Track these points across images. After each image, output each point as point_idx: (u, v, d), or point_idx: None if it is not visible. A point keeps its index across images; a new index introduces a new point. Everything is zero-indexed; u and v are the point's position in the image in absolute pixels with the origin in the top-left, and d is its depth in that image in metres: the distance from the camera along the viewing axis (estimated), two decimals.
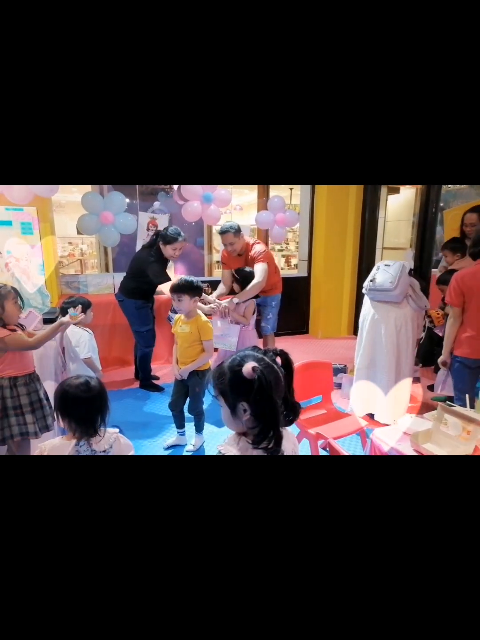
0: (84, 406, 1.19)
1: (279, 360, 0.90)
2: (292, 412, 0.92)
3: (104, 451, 1.23)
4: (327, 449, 2.02)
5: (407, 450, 1.41)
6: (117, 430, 1.29)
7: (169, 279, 2.83)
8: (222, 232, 2.85)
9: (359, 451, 2.20)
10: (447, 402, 1.60)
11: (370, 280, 2.43)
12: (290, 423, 0.93)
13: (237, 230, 2.85)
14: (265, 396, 0.82)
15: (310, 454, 1.97)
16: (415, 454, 1.39)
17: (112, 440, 1.25)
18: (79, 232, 3.65)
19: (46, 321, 2.35)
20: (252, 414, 0.84)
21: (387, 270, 2.37)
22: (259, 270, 2.81)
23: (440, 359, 2.18)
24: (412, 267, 2.55)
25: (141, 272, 2.89)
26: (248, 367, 0.81)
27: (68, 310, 2.02)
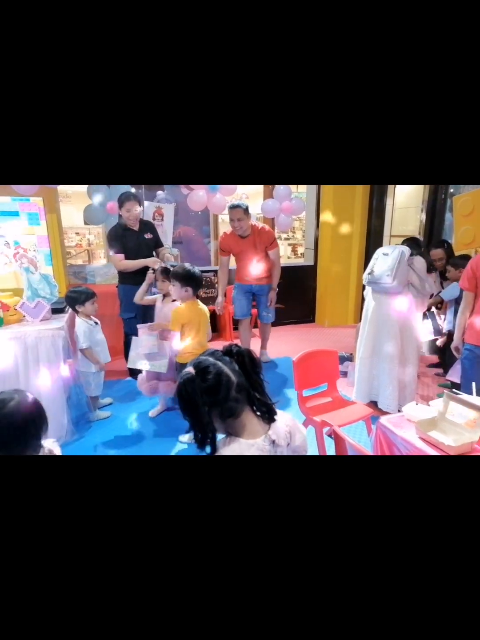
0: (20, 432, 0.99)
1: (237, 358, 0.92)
2: (265, 408, 0.94)
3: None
4: (332, 436, 2.04)
5: (413, 437, 1.42)
6: (53, 440, 1.14)
7: (120, 248, 2.79)
8: (233, 207, 2.93)
9: (364, 438, 2.22)
10: (453, 389, 1.60)
11: (368, 273, 2.41)
12: (266, 418, 0.95)
13: (246, 209, 2.93)
14: (184, 402, 0.89)
15: (315, 441, 1.99)
16: (420, 441, 1.39)
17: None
18: (85, 223, 3.66)
19: (54, 311, 2.38)
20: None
21: (385, 260, 2.33)
22: (277, 255, 3.10)
23: (452, 345, 2.17)
24: (419, 247, 2.50)
25: None
26: (183, 373, 0.90)
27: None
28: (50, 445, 1.11)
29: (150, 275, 2.57)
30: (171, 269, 2.26)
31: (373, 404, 2.50)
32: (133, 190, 3.28)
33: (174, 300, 2.35)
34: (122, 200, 2.76)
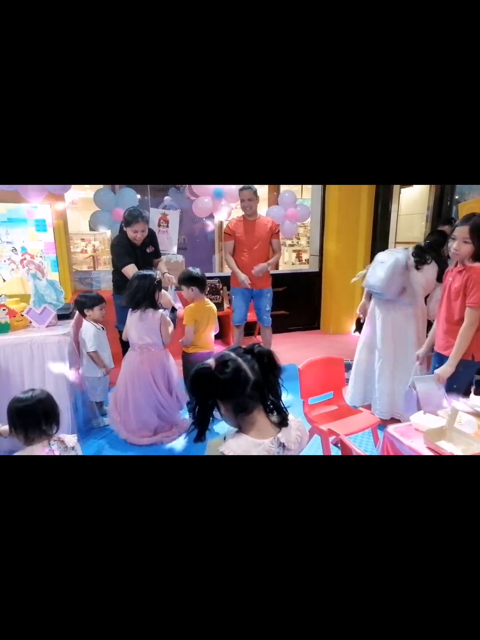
0: (36, 416, 1.27)
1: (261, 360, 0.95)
2: (277, 412, 0.96)
3: (73, 448, 1.33)
4: (339, 445, 2.02)
5: (420, 447, 1.40)
6: (76, 436, 1.38)
7: (128, 263, 2.66)
8: (243, 188, 3.10)
9: (370, 448, 2.19)
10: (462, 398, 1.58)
11: (365, 281, 2.38)
12: (277, 421, 0.96)
13: (255, 192, 3.12)
14: (192, 389, 0.94)
15: (321, 450, 1.97)
16: (429, 451, 1.37)
17: (74, 443, 1.34)
18: (91, 229, 3.69)
19: (60, 317, 2.39)
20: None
21: (380, 268, 2.28)
22: (279, 245, 3.27)
23: (442, 371, 1.77)
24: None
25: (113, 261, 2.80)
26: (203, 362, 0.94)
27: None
28: (69, 439, 1.33)
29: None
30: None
31: (367, 408, 2.48)
32: (138, 197, 3.30)
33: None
34: (130, 221, 2.63)
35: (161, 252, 3.10)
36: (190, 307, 2.34)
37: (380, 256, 2.38)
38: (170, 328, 2.29)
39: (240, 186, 3.17)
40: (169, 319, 2.30)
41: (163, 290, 2.40)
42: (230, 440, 0.93)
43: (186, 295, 2.36)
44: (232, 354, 0.94)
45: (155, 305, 2.24)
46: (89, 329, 2.40)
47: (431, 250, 2.34)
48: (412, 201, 4.57)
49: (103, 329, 2.51)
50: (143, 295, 2.20)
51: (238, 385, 0.90)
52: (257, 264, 3.14)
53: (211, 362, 0.94)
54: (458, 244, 1.73)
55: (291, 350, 3.93)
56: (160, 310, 2.26)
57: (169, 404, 2.34)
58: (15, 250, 2.71)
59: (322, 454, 1.96)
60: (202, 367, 0.93)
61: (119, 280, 2.75)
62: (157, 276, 2.28)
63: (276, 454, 0.93)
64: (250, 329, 4.14)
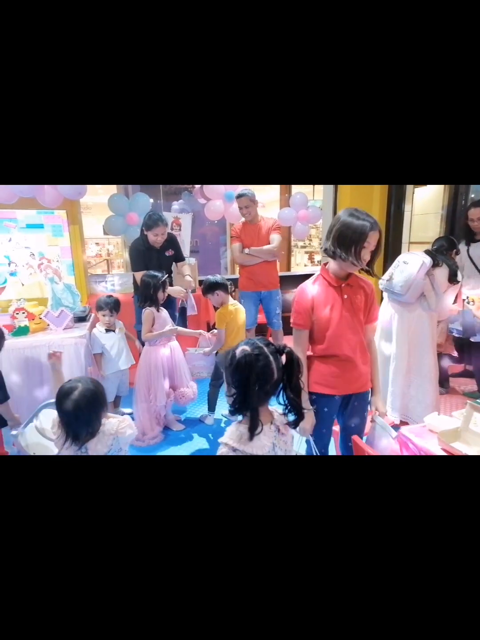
0: (85, 411, 1.12)
1: (284, 358, 0.99)
2: (294, 410, 1.00)
3: (111, 446, 1.18)
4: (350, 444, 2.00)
5: (435, 448, 1.39)
6: (119, 417, 1.24)
7: (143, 268, 2.66)
8: (239, 196, 3.08)
9: None
10: (478, 400, 1.56)
11: (387, 280, 2.34)
12: (293, 425, 1.01)
13: (253, 197, 3.08)
14: (239, 374, 0.95)
15: (334, 451, 1.97)
16: (443, 452, 1.36)
17: (115, 428, 1.19)
18: (105, 233, 3.75)
19: (77, 319, 2.44)
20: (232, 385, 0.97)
21: (404, 269, 2.25)
22: (276, 239, 3.15)
23: (381, 405, 1.60)
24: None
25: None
26: (240, 349, 0.96)
27: None
28: (115, 425, 1.19)
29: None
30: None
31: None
32: (151, 200, 3.33)
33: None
34: (150, 225, 2.66)
35: None
36: (219, 311, 2.39)
37: (404, 257, 2.34)
38: (147, 325, 2.35)
39: (236, 194, 3.14)
40: (148, 315, 2.33)
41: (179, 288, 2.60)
42: (233, 428, 0.98)
43: (214, 301, 2.42)
44: (265, 350, 0.96)
45: (153, 304, 2.34)
46: (94, 331, 2.41)
47: (440, 254, 2.34)
48: (426, 201, 4.51)
49: (112, 331, 2.44)
50: (145, 293, 2.34)
51: (265, 379, 0.95)
52: (262, 266, 3.18)
53: (247, 348, 0.96)
54: (366, 254, 1.42)
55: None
56: (149, 308, 2.32)
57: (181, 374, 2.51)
58: (33, 255, 2.78)
59: (333, 454, 1.96)
60: (246, 354, 0.95)
61: (135, 282, 2.81)
62: (163, 277, 2.37)
63: (274, 439, 0.99)
64: (260, 332, 4.14)
